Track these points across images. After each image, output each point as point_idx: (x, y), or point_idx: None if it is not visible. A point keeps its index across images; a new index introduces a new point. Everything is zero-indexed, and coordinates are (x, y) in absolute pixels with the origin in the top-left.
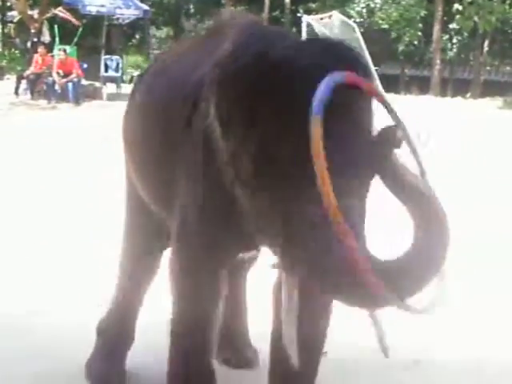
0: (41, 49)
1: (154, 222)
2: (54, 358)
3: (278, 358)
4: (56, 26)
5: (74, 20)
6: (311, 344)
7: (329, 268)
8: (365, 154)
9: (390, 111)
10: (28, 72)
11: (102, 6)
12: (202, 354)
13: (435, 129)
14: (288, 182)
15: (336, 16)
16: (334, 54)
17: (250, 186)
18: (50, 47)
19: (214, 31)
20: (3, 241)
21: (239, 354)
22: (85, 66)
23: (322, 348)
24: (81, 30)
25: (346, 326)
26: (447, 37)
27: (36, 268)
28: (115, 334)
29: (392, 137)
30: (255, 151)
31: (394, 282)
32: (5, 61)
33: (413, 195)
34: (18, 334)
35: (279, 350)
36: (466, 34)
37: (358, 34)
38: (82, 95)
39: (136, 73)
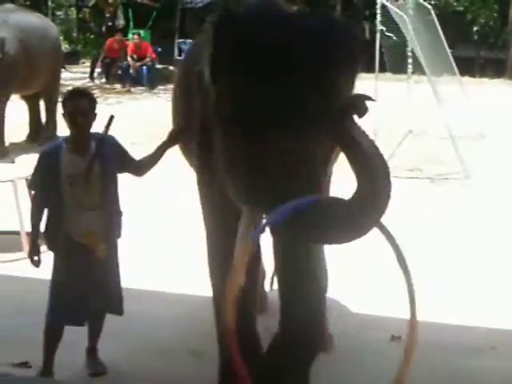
0: (118, 35)
1: None
2: (132, 336)
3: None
4: (130, 10)
5: (150, 2)
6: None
7: None
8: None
9: None
10: (101, 58)
11: None
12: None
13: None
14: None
15: None
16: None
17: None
18: (124, 31)
19: None
20: None
21: None
22: (159, 49)
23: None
24: (155, 13)
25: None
26: None
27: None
28: None
29: (357, 105)
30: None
31: (340, 223)
32: (80, 45)
33: (361, 156)
34: None
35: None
36: None
37: (433, 16)
38: (156, 79)
39: None
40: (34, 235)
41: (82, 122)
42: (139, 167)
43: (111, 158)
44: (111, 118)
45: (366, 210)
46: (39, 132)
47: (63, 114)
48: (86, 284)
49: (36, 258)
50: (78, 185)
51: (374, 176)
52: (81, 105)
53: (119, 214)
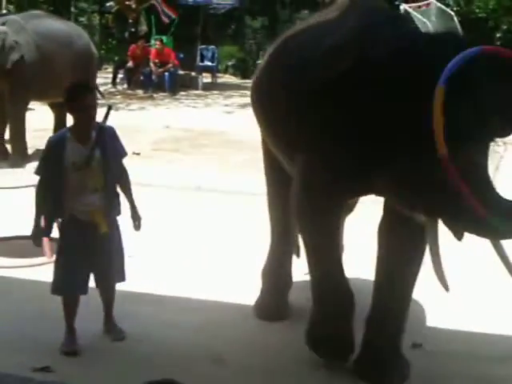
0: (141, 42)
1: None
2: (153, 343)
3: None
4: (153, 17)
5: (164, 18)
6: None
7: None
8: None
9: None
10: (129, 64)
11: None
12: (340, 277)
13: None
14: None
15: (434, 4)
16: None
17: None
18: (146, 37)
19: (337, 9)
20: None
21: None
22: (181, 55)
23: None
24: (177, 20)
25: None
26: None
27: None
28: None
29: None
30: None
31: None
32: (102, 51)
33: None
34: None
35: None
36: None
37: (456, 22)
38: (178, 85)
39: (231, 63)
40: (37, 217)
41: (94, 114)
42: (121, 183)
43: (110, 145)
44: (109, 108)
45: None
46: None
47: (73, 109)
48: (90, 257)
49: (39, 239)
50: (82, 170)
51: None
52: (94, 99)
53: (117, 194)
